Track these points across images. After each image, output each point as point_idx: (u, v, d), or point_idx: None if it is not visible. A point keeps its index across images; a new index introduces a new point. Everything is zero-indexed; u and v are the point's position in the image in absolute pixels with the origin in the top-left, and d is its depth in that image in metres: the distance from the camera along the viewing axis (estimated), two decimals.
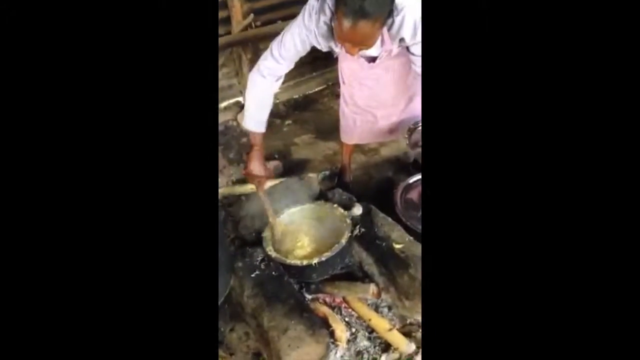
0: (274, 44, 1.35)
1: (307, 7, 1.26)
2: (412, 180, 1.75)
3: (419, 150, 1.67)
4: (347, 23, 1.06)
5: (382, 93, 1.68)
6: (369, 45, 1.19)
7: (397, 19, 1.21)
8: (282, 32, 1.33)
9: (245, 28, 2.54)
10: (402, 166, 2.16)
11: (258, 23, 2.60)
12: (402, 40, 1.31)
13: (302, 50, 1.34)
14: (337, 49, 1.34)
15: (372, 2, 1.03)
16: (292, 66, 1.40)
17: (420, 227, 1.54)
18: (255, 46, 2.64)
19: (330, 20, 1.20)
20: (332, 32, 1.24)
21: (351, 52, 1.19)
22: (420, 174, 1.75)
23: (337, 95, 1.86)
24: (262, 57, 1.39)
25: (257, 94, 1.40)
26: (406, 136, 1.69)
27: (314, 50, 1.38)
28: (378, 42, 1.29)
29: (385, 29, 1.24)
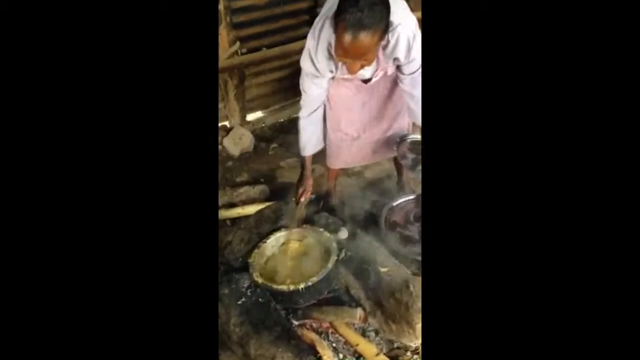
0: (304, 64, 1.42)
1: (315, 24, 1.35)
2: (395, 202, 1.79)
3: (406, 162, 1.70)
4: (347, 36, 1.13)
5: (367, 116, 1.75)
6: (369, 60, 1.24)
7: (392, 39, 1.29)
8: (304, 51, 1.40)
9: (232, 55, 2.59)
10: (386, 188, 2.20)
11: (244, 50, 2.66)
12: (396, 59, 1.38)
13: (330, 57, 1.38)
14: (334, 72, 1.41)
15: (370, 14, 1.10)
16: (332, 73, 1.43)
17: (404, 249, 1.57)
18: (241, 72, 2.69)
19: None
20: (331, 53, 1.31)
21: (352, 69, 1.25)
22: (404, 196, 1.80)
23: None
24: (302, 93, 1.50)
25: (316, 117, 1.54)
26: (395, 148, 1.73)
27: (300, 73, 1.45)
28: (374, 62, 1.35)
29: (380, 49, 1.30)
